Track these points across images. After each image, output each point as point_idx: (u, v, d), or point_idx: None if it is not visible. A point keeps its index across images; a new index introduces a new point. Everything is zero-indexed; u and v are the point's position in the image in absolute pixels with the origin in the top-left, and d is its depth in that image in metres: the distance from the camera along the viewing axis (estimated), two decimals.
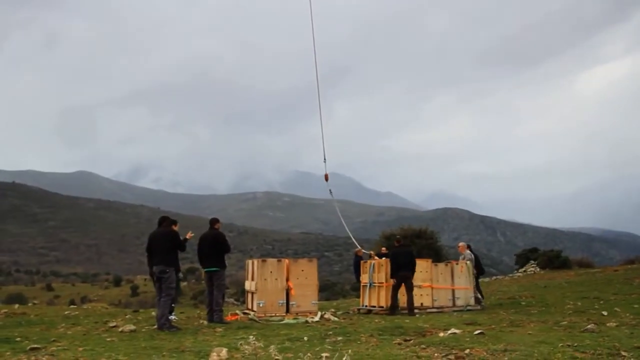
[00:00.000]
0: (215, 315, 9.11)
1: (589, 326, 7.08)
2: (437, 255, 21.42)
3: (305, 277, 10.23)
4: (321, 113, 12.90)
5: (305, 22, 12.58)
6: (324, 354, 5.23)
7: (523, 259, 29.42)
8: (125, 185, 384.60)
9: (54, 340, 6.61)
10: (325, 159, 12.69)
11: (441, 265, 12.15)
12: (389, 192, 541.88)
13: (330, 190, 12.65)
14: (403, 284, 10.84)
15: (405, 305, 10.88)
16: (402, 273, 10.83)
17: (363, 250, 13.81)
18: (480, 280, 13.24)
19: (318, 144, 12.68)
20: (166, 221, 8.88)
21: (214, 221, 9.71)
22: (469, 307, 11.61)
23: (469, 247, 12.96)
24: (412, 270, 10.96)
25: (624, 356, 5.06)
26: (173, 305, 8.86)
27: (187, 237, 8.85)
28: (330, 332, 7.20)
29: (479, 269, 12.79)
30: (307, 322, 9.26)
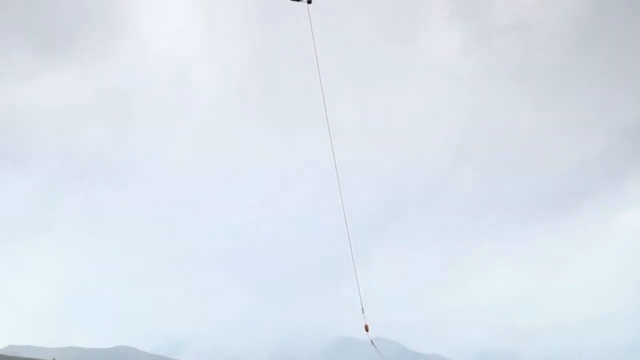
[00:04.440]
0: None
1: None
2: None
3: None
4: (354, 260, 13.53)
5: (341, 180, 13.73)
6: None
7: None
8: None
9: None
10: (363, 310, 13.06)
11: None
12: (435, 354, 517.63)
13: (372, 341, 12.87)
14: None
15: None
16: None
17: None
18: None
19: (358, 305, 13.07)
20: None
21: None
22: None
23: None
24: None
25: None
26: None
27: None
28: None
29: None
30: None
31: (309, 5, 15.69)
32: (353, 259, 14.05)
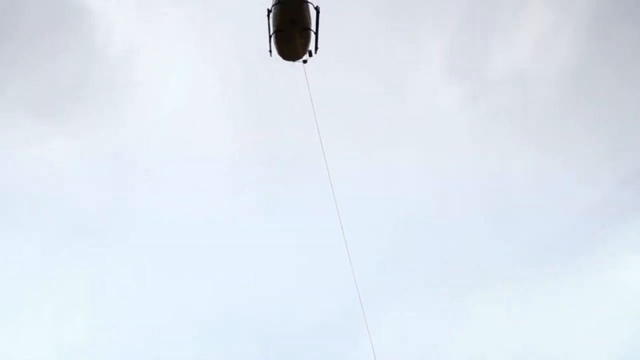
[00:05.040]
0: None
1: None
2: None
3: None
4: (365, 317, 11.96)
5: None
6: None
7: None
8: None
9: None
10: None
11: None
12: None
13: None
14: None
15: None
16: None
17: None
18: None
19: None
20: None
21: None
22: None
23: None
24: None
25: None
26: None
27: None
28: None
29: None
30: None
31: (305, 64, 14.88)
32: (364, 314, 12.38)
